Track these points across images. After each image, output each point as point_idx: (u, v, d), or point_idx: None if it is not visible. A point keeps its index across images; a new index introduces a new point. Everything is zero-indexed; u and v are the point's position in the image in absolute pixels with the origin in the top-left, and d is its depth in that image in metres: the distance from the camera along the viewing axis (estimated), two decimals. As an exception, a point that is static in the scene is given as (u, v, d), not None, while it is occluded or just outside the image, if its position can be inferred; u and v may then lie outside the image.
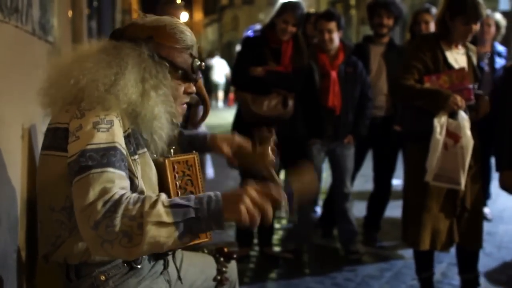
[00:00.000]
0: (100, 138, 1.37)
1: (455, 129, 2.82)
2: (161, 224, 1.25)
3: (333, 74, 3.73)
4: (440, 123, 2.82)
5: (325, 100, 3.71)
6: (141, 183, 1.48)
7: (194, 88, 1.66)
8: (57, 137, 1.47)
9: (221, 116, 12.78)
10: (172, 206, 1.27)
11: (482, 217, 3.09)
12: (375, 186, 4.35)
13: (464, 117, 2.84)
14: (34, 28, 2.12)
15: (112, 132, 1.41)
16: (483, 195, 4.77)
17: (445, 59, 2.94)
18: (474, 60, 3.06)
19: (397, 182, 4.85)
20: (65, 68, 1.52)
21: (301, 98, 3.69)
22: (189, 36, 1.59)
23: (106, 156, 1.35)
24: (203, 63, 1.65)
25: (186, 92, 1.63)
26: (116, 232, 1.24)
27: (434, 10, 4.19)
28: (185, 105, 1.65)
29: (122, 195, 1.28)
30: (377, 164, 4.30)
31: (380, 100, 4.05)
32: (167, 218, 1.25)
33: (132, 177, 1.44)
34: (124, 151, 1.42)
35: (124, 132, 1.47)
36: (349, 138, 3.82)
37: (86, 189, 1.29)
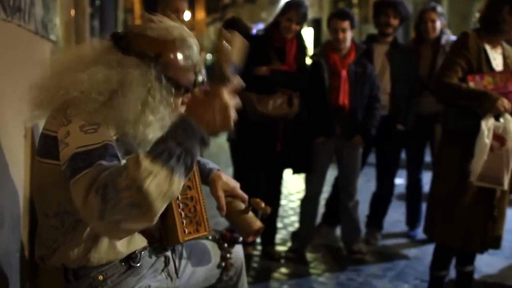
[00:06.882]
0: (89, 140, 1.35)
1: (502, 133, 2.79)
2: (154, 175, 1.21)
3: (344, 72, 3.71)
4: (487, 126, 2.77)
5: (334, 98, 3.70)
6: None
7: None
8: (46, 145, 1.47)
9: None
10: (155, 156, 1.23)
11: (505, 218, 3.02)
12: (377, 186, 4.33)
13: (509, 120, 2.81)
14: (36, 27, 2.11)
15: (100, 132, 1.38)
16: None
17: (487, 58, 2.88)
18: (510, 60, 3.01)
19: (400, 181, 4.84)
20: (58, 74, 1.47)
21: (309, 96, 3.68)
22: (196, 51, 1.57)
23: (96, 155, 1.32)
24: (205, 79, 1.62)
25: (183, 102, 1.59)
26: (123, 208, 1.20)
27: (439, 9, 4.18)
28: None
29: (104, 176, 1.24)
30: (380, 163, 4.29)
31: (383, 99, 4.03)
32: (156, 168, 1.22)
33: None
34: (116, 147, 1.38)
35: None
36: (358, 138, 3.81)
37: (80, 187, 1.26)
